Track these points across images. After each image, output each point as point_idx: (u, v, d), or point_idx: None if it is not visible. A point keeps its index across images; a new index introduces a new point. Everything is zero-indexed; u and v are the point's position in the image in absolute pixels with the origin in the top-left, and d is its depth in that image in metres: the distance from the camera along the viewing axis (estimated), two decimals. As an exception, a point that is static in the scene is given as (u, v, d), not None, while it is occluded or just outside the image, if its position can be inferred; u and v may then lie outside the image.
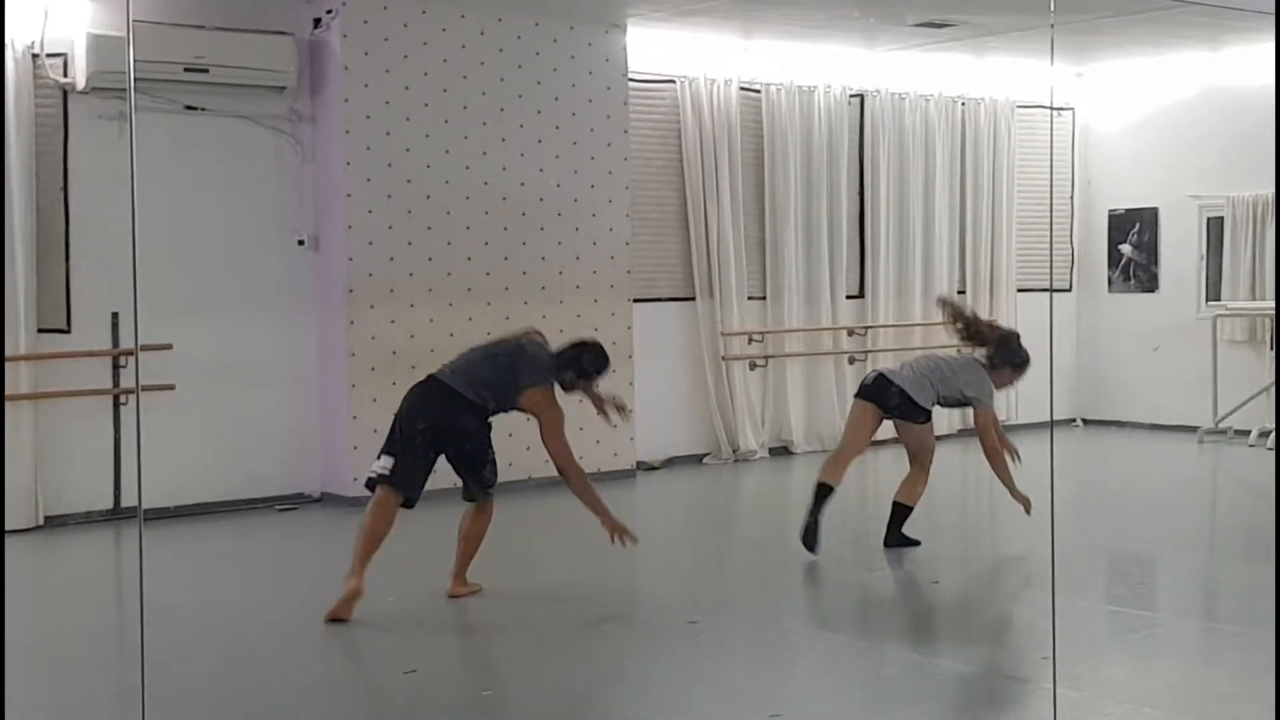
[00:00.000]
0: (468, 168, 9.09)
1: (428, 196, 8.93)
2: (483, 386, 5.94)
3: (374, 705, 4.94)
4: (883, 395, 7.03)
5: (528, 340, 6.21)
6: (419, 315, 8.90)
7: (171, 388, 7.99)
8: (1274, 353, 9.06)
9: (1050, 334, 11.11)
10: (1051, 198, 11.82)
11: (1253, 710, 4.48)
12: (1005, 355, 7.08)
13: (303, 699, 4.87)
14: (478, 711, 4.78)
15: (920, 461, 7.16)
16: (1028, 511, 7.04)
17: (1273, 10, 6.30)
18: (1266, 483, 10.01)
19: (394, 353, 8.77)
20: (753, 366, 10.76)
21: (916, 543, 7.07)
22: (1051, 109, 12.31)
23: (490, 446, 6.05)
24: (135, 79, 7.47)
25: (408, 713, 4.74)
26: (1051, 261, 12.41)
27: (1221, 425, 11.11)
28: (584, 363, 6.16)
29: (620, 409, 6.35)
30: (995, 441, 6.97)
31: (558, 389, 6.09)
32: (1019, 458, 7.05)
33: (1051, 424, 11.42)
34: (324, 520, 8.45)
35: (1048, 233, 12.40)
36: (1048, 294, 12.40)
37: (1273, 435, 10.75)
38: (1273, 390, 10.84)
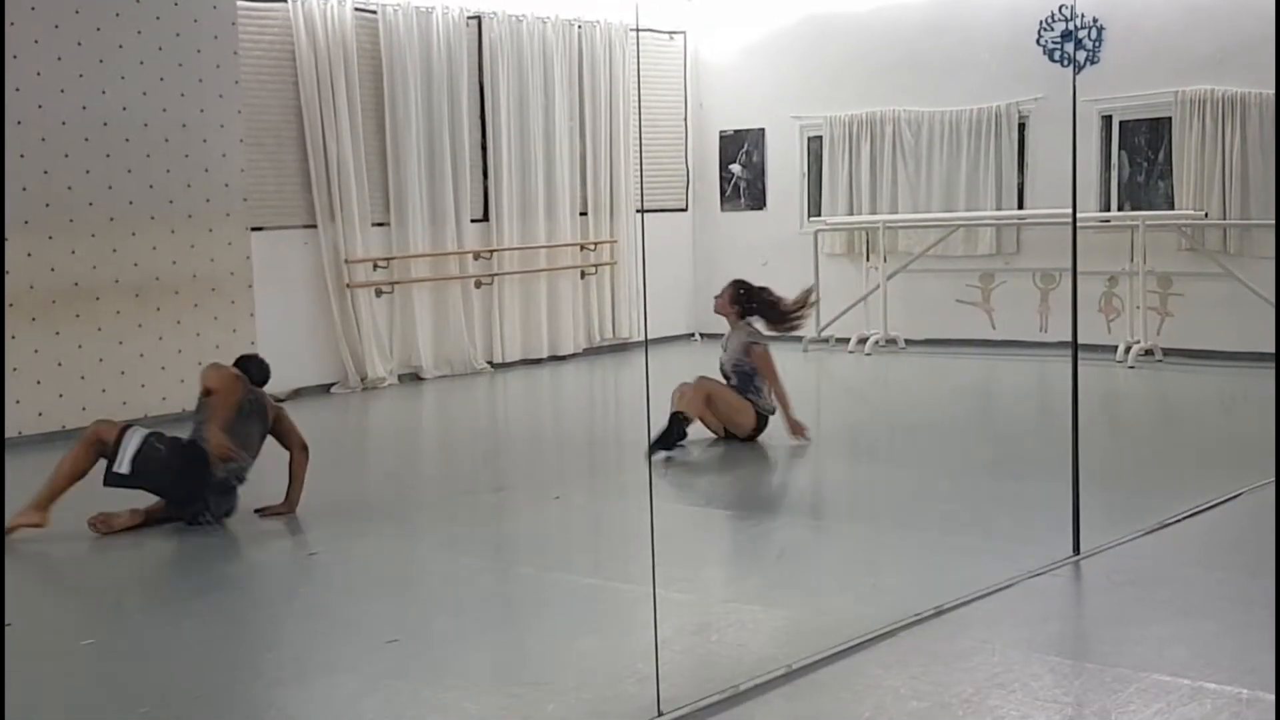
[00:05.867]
0: (62, 91, 8.56)
1: (19, 122, 8.36)
2: None
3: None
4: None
5: None
6: (14, 250, 8.36)
7: None
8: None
9: (642, 253, 11.52)
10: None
11: (842, 600, 4.87)
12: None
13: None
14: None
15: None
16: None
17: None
18: (864, 385, 10.81)
19: (-12, 290, 8.24)
20: (379, 293, 10.68)
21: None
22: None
23: None
24: None
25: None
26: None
27: (824, 334, 11.84)
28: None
29: None
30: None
31: None
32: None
33: (646, 341, 11.93)
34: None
35: (666, 154, 12.81)
36: (668, 213, 12.85)
37: (871, 342, 11.59)
38: (879, 299, 11.64)
